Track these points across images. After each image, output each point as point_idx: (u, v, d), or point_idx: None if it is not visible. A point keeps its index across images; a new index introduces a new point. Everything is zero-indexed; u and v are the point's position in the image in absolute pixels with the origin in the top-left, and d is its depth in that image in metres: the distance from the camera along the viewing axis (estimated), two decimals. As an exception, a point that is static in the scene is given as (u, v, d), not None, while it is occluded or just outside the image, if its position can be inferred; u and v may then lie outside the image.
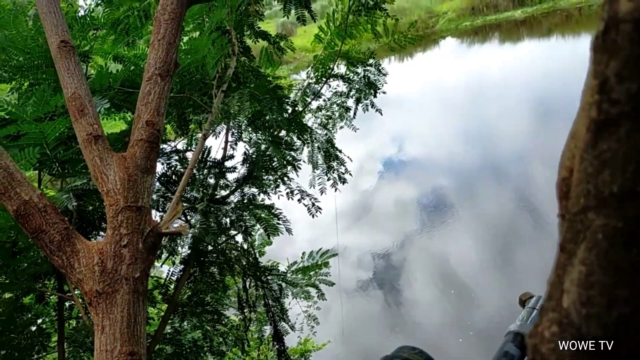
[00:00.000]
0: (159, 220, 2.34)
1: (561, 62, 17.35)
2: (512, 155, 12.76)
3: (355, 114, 5.99)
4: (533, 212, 10.09)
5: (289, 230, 4.60)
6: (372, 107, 5.91)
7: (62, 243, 2.15)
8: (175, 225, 2.49)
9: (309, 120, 6.24)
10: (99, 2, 5.40)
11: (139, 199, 2.26)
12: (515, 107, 15.06)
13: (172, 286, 4.62)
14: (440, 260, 9.78)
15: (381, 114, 5.91)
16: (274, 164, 4.64)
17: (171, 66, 2.53)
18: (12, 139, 3.66)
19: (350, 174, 5.74)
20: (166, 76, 2.49)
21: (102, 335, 2.03)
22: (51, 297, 4.61)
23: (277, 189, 5.32)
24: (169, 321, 4.53)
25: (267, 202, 5.07)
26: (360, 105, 6.02)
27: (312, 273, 6.06)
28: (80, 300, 3.37)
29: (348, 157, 5.68)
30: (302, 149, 5.77)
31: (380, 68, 6.09)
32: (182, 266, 4.53)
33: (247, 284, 4.85)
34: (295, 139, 5.41)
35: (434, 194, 12.25)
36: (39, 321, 4.46)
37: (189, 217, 4.28)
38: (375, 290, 9.73)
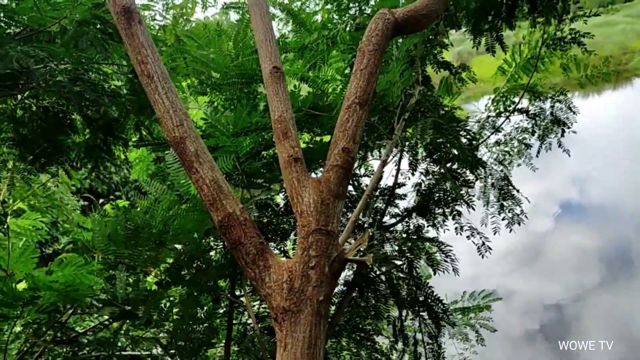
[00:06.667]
0: (345, 247, 2.36)
1: None
2: None
3: (539, 152, 5.57)
4: None
5: (455, 270, 4.38)
6: (559, 146, 5.43)
7: (257, 257, 2.27)
8: (356, 252, 2.50)
9: (484, 154, 5.94)
10: (294, 29, 5.82)
11: (329, 223, 2.30)
12: None
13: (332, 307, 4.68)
14: (622, 320, 8.55)
15: (569, 155, 5.40)
16: (447, 198, 4.48)
17: (370, 95, 2.57)
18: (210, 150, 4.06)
19: (526, 216, 5.30)
20: (365, 105, 2.53)
21: (284, 352, 2.09)
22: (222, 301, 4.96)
23: (444, 223, 5.13)
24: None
25: (433, 235, 4.92)
26: (544, 143, 5.58)
27: (472, 315, 5.74)
28: (253, 309, 3.58)
29: (526, 197, 5.26)
30: (474, 184, 5.49)
31: (570, 105, 5.59)
32: (344, 288, 4.58)
33: (405, 315, 4.72)
34: (468, 172, 5.19)
35: (620, 246, 10.85)
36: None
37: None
38: (543, 343, 8.83)
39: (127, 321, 4.31)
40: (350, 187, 4.91)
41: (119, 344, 4.71)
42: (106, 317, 4.16)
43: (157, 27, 7.26)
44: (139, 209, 3.88)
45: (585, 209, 13.31)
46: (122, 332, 4.57)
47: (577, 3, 5.21)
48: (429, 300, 4.01)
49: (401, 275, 4.01)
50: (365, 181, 4.97)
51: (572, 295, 9.80)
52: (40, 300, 3.39)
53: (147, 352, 4.77)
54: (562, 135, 5.56)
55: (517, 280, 10.53)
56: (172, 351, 4.47)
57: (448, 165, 4.59)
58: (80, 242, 4.56)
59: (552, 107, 5.67)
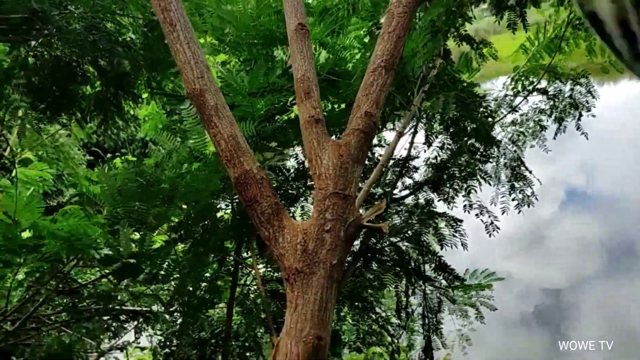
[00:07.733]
0: (362, 212, 2.32)
1: None
2: None
3: (556, 134, 5.48)
4: None
5: (464, 245, 4.36)
6: (577, 129, 5.34)
7: (272, 217, 2.23)
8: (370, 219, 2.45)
9: (498, 134, 5.85)
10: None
11: (347, 187, 2.26)
12: None
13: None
14: (619, 312, 8.57)
15: (587, 138, 5.32)
16: (462, 173, 4.42)
17: (396, 59, 2.49)
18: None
19: (537, 198, 5.24)
20: (390, 69, 2.45)
21: (294, 312, 2.07)
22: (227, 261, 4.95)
23: (453, 200, 5.08)
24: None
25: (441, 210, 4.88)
26: (561, 126, 5.50)
27: (473, 293, 5.73)
28: (260, 273, 3.57)
29: (538, 179, 5.20)
30: (490, 160, 5.42)
31: (591, 89, 5.47)
32: (349, 257, 4.57)
33: (409, 290, 4.71)
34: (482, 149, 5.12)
35: (623, 238, 10.76)
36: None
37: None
38: (539, 328, 8.88)
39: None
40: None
41: (119, 299, 4.73)
42: (107, 271, 4.14)
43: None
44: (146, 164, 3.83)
45: (591, 198, 13.22)
46: (123, 287, 4.58)
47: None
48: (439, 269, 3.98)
49: (410, 245, 3.98)
50: (379, 151, 4.90)
51: (571, 282, 9.80)
52: (44, 248, 3.37)
53: (147, 308, 4.81)
54: (579, 119, 5.46)
55: (516, 264, 10.51)
56: (173, 308, 4.49)
57: (464, 140, 4.51)
58: (86, 196, 4.52)
59: (571, 89, 5.56)
